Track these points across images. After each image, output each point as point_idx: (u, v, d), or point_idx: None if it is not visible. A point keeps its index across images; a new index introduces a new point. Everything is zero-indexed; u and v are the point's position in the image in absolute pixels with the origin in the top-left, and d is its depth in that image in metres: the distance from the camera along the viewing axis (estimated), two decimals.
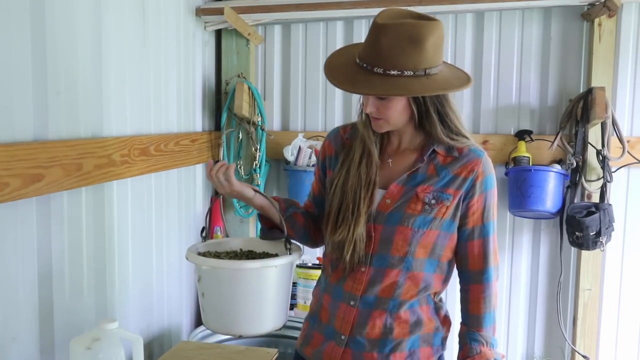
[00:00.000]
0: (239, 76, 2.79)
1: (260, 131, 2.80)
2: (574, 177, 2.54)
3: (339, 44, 2.80)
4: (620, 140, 2.50)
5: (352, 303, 1.47)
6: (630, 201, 2.64)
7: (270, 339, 2.52)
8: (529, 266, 2.77)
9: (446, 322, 1.55)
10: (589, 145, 2.52)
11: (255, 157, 2.80)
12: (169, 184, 2.44)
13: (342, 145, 1.56)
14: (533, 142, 2.62)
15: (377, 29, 1.32)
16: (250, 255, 1.65)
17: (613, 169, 2.52)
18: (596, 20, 2.52)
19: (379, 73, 1.32)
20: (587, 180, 2.54)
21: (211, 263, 1.52)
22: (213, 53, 2.87)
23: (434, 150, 1.46)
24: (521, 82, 2.71)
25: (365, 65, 1.35)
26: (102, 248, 1.91)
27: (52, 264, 1.66)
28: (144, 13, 2.16)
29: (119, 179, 1.96)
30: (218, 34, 2.88)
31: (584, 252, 2.57)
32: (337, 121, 2.87)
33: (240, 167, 2.83)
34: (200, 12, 2.66)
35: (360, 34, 2.80)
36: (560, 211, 2.54)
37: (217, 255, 1.63)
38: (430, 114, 1.42)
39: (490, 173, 1.47)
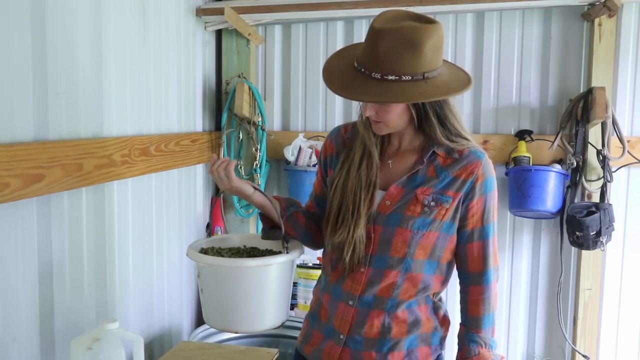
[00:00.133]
0: (239, 76, 2.80)
1: (261, 131, 2.80)
2: (574, 177, 2.54)
3: (339, 44, 2.80)
4: (621, 140, 2.50)
5: (350, 303, 1.47)
6: (631, 201, 2.64)
7: (271, 339, 2.52)
8: (529, 266, 2.77)
9: (445, 322, 1.54)
10: (589, 145, 2.52)
11: (255, 157, 2.80)
12: (170, 184, 2.44)
13: (343, 145, 1.55)
14: (533, 142, 2.62)
15: (374, 33, 1.30)
16: (253, 252, 1.64)
17: (613, 169, 2.51)
18: (596, 20, 2.51)
19: (376, 78, 1.30)
20: (587, 180, 2.53)
21: (211, 261, 1.52)
22: (213, 53, 2.87)
23: (434, 152, 1.45)
24: (521, 82, 2.71)
25: (363, 70, 1.33)
26: (102, 248, 1.92)
27: (52, 264, 1.66)
28: (144, 13, 2.16)
29: (120, 179, 1.96)
30: (218, 34, 2.88)
31: (584, 252, 2.57)
32: (338, 121, 2.87)
33: (240, 167, 2.82)
34: (200, 12, 2.66)
35: (361, 34, 2.79)
36: (561, 211, 2.54)
37: (220, 251, 1.62)
38: (429, 117, 1.41)
39: (490, 175, 1.46)
